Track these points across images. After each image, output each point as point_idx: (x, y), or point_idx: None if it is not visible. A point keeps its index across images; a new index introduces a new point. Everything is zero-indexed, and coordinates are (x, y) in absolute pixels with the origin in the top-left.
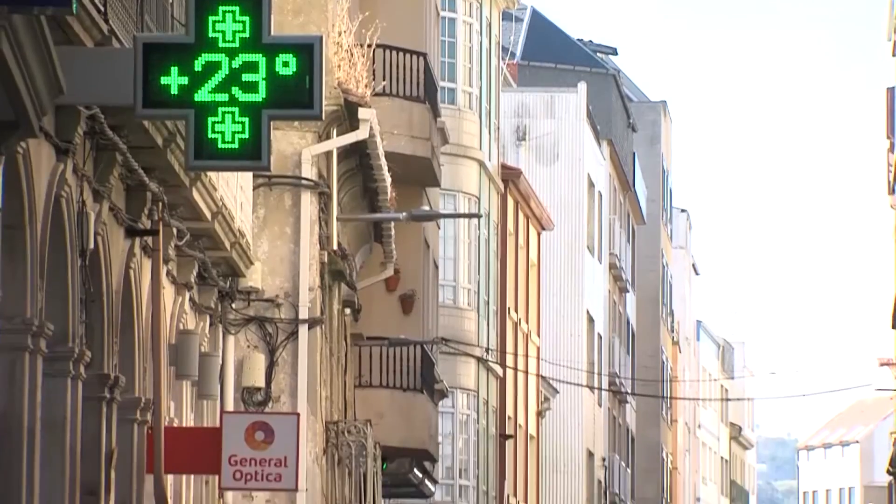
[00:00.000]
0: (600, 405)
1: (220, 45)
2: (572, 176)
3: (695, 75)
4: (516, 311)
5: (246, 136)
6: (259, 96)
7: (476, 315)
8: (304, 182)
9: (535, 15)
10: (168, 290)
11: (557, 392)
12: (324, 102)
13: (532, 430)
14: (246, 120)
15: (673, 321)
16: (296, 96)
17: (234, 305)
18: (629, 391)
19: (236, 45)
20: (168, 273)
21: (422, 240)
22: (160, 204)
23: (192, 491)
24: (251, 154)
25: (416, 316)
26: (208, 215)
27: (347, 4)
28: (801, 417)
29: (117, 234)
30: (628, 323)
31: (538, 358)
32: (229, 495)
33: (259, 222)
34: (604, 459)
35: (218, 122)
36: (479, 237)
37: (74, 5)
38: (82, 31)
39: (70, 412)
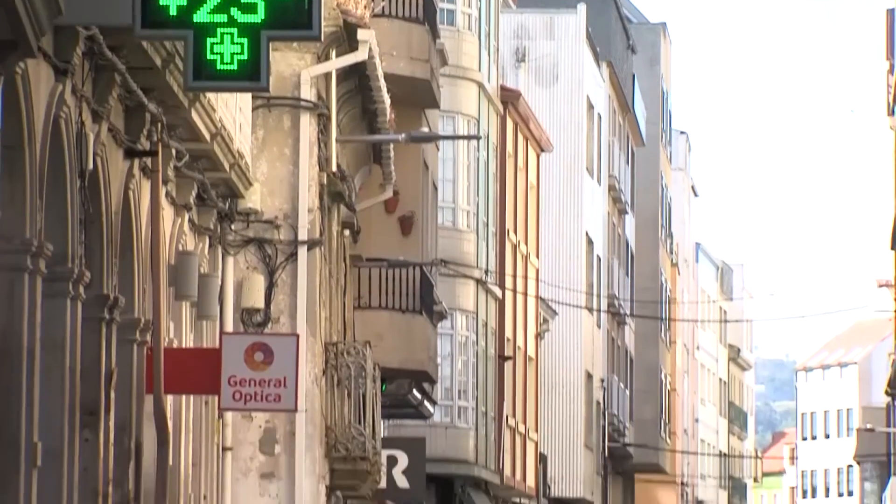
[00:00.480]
0: (599, 327)
1: None
2: (571, 98)
3: None
4: (515, 232)
5: (245, 57)
6: (258, 17)
7: (475, 237)
8: (303, 103)
9: None
10: (167, 211)
11: (556, 314)
12: (323, 23)
13: (531, 352)
14: (245, 41)
15: (672, 243)
16: (295, 17)
17: (233, 226)
18: (628, 313)
19: None
20: (167, 194)
21: (421, 161)
22: (159, 125)
23: (192, 411)
24: (250, 75)
25: (415, 237)
26: (207, 136)
27: None
28: (800, 339)
29: (116, 155)
30: (627, 245)
31: (537, 280)
32: (229, 415)
33: (258, 144)
34: (602, 381)
35: (217, 43)
36: (478, 159)
37: None
38: None
39: (69, 333)
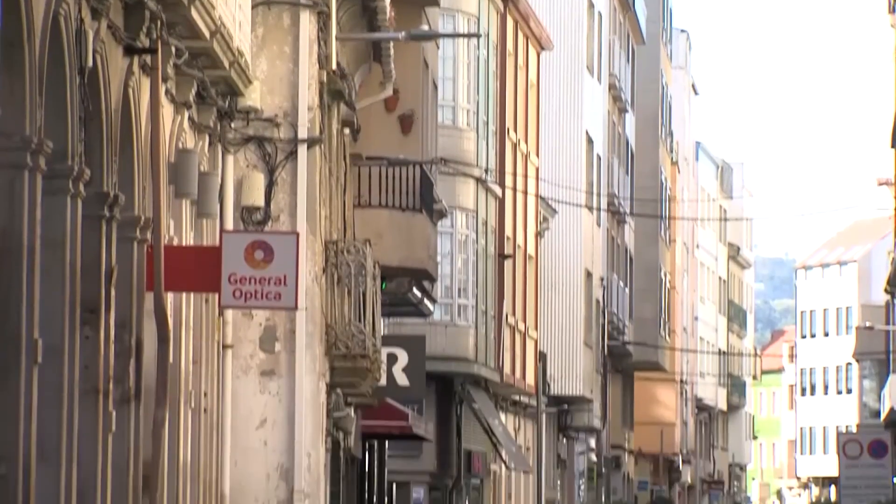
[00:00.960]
0: (599, 225)
1: None
2: None
3: None
4: (515, 131)
5: None
6: None
7: (475, 135)
8: (302, 1)
9: None
10: (167, 109)
11: (556, 212)
12: None
13: (531, 251)
14: None
15: (672, 141)
16: None
17: (232, 125)
18: (628, 211)
19: None
20: (167, 92)
21: (421, 60)
22: (158, 22)
23: (192, 309)
24: None
25: (414, 136)
26: (207, 34)
27: None
28: (800, 237)
29: (116, 52)
30: (627, 143)
31: (537, 178)
32: (229, 313)
33: (258, 42)
34: (602, 279)
35: None
36: (478, 57)
37: None
38: None
39: (70, 230)
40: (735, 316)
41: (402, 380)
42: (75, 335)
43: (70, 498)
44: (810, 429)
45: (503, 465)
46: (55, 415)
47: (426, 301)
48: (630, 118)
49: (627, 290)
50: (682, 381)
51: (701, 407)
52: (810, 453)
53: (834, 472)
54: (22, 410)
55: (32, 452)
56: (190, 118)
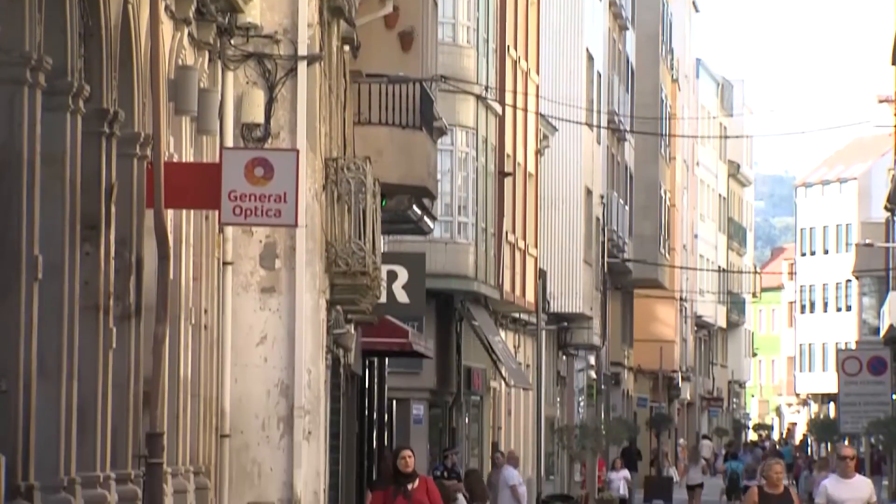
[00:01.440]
0: (599, 143)
1: None
2: None
3: None
4: (515, 48)
5: None
6: None
7: (475, 52)
8: None
9: None
10: (166, 26)
11: (556, 130)
12: None
13: (531, 168)
14: None
15: (672, 59)
16: None
17: (232, 41)
18: (628, 129)
19: None
20: (166, 8)
21: None
22: None
23: (192, 226)
24: None
25: (415, 53)
26: None
27: None
28: (800, 154)
29: None
30: (628, 61)
31: (537, 96)
32: (229, 230)
33: None
34: (602, 197)
35: None
36: None
37: None
38: None
39: (70, 146)
40: (735, 233)
41: (402, 297)
42: (75, 252)
43: (70, 414)
44: (809, 346)
45: (503, 382)
46: (55, 331)
47: (426, 219)
48: (630, 35)
49: (627, 207)
50: (681, 298)
51: (700, 324)
52: (809, 370)
53: (833, 389)
54: (22, 327)
55: (33, 369)
56: (190, 35)
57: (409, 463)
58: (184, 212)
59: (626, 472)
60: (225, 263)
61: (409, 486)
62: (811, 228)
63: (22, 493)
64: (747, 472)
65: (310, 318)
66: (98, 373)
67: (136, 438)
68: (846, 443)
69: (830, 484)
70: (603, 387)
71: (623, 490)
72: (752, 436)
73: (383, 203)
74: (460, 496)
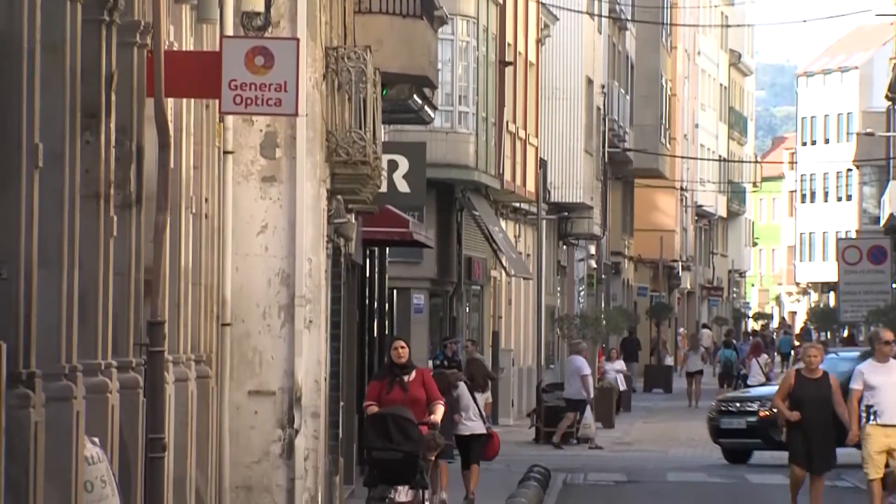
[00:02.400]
0: (600, 32)
1: None
2: None
3: None
4: None
5: None
6: None
7: None
8: None
9: None
10: None
11: (557, 19)
12: None
13: (531, 57)
14: None
15: None
16: None
17: None
18: (629, 18)
19: None
20: None
21: None
22: None
23: (192, 115)
24: None
25: None
26: None
27: None
28: (801, 43)
29: None
30: None
31: None
32: (229, 119)
33: None
34: (603, 86)
35: None
36: None
37: None
38: None
39: (69, 34)
40: (735, 123)
41: (402, 186)
42: (76, 140)
43: (71, 302)
44: (810, 235)
45: (503, 272)
46: (56, 219)
47: (427, 108)
48: None
49: (628, 97)
50: (682, 188)
51: (701, 214)
52: (809, 260)
53: (833, 278)
54: (23, 215)
55: (34, 257)
56: None
57: (403, 354)
58: (184, 101)
59: (620, 364)
60: (225, 152)
61: (406, 378)
62: (812, 118)
63: (23, 381)
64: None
65: (310, 208)
66: (99, 261)
67: (138, 326)
68: (882, 328)
69: (867, 369)
70: (603, 276)
71: (619, 382)
72: (753, 325)
73: (384, 93)
74: (461, 384)
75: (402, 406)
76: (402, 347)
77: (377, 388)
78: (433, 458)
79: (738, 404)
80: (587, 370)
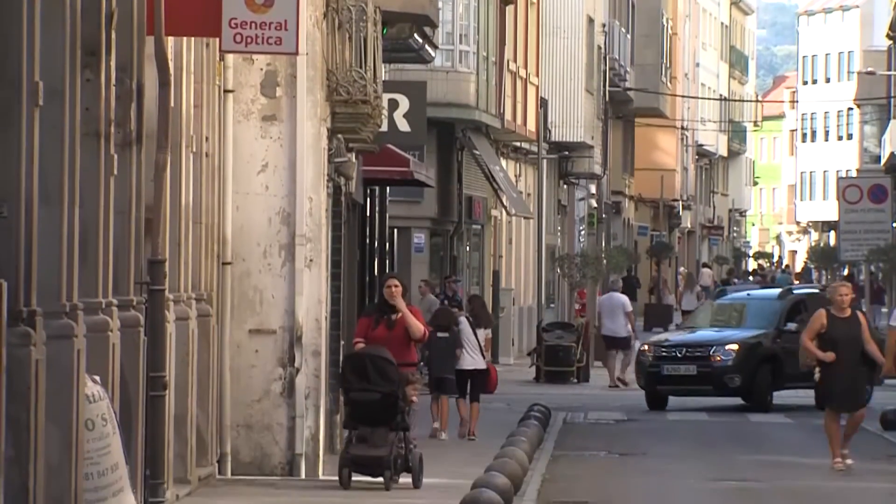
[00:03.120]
0: None
1: None
2: None
3: None
4: None
5: None
6: None
7: None
8: None
9: None
10: None
11: None
12: None
13: None
14: None
15: None
16: None
17: None
18: None
19: None
20: None
21: None
22: None
23: (193, 54)
24: None
25: None
26: None
27: None
28: None
29: None
30: None
31: None
32: (230, 58)
33: None
34: (604, 25)
35: None
36: None
37: None
38: None
39: None
40: (736, 62)
41: (403, 126)
42: (76, 78)
43: (72, 240)
44: (810, 174)
45: (504, 211)
46: (56, 157)
47: (427, 47)
48: None
49: (629, 36)
50: (682, 127)
51: (701, 153)
52: (810, 199)
53: (833, 217)
54: (23, 153)
55: (34, 194)
56: None
57: (396, 292)
58: (184, 39)
59: None
60: (225, 91)
61: (394, 317)
62: (813, 56)
63: (24, 319)
64: None
65: (311, 147)
66: (99, 199)
67: (138, 265)
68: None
69: None
70: (604, 215)
71: None
72: (753, 264)
73: (384, 31)
74: (463, 320)
75: (381, 346)
76: (396, 286)
77: (365, 324)
78: (414, 399)
79: (684, 350)
80: (630, 307)
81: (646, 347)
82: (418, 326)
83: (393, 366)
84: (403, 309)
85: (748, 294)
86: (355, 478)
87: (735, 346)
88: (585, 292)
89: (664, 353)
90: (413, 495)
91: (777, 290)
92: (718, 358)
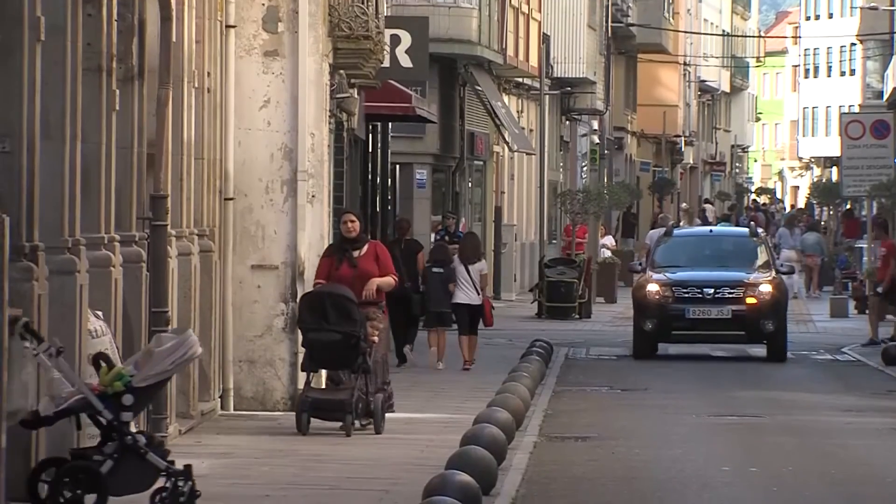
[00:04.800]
0: None
1: None
2: None
3: None
4: None
5: None
6: None
7: None
8: None
9: None
10: None
11: None
12: None
13: None
14: None
15: None
16: None
17: None
18: None
19: None
20: None
21: None
22: None
23: None
24: None
25: None
26: None
27: None
28: None
29: None
30: None
31: None
32: None
33: None
34: None
35: None
36: None
37: None
38: None
39: None
40: None
41: (405, 61)
42: (77, 13)
43: (74, 175)
44: (813, 110)
45: (506, 147)
46: (59, 93)
47: None
48: None
49: None
50: (685, 62)
51: (704, 89)
52: (812, 134)
53: (836, 153)
54: (25, 88)
55: (36, 129)
56: None
57: (353, 228)
58: None
59: (609, 240)
60: (227, 26)
61: (356, 253)
62: None
63: (26, 254)
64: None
65: (313, 82)
66: (101, 135)
67: (141, 200)
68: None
69: None
70: (606, 151)
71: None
72: (756, 198)
73: None
74: (455, 257)
75: (341, 284)
76: (353, 221)
77: (327, 265)
78: (375, 339)
79: (712, 290)
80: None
81: (656, 287)
82: (389, 282)
83: (354, 304)
84: (374, 274)
85: (711, 231)
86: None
87: (770, 288)
88: (584, 228)
89: (686, 294)
90: (397, 438)
91: (740, 230)
92: (754, 300)
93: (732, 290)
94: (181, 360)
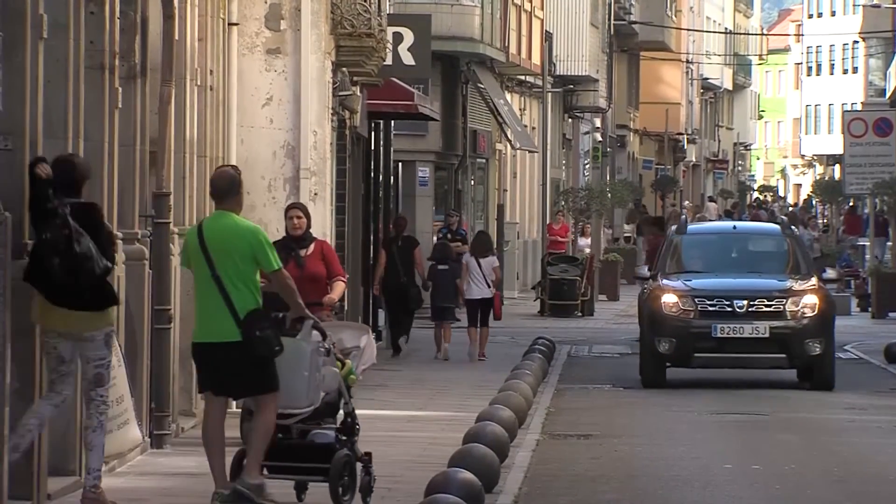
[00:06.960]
0: None
1: None
2: None
3: None
4: None
5: None
6: None
7: None
8: None
9: None
10: None
11: None
12: None
13: None
14: None
15: None
16: None
17: None
18: None
19: None
20: None
21: None
22: None
23: None
24: None
25: None
26: None
27: None
28: None
29: None
30: None
31: None
32: None
33: None
34: None
35: None
36: None
37: None
38: None
39: None
40: None
41: (407, 59)
42: (80, 11)
43: None
44: (815, 107)
45: (508, 145)
46: (61, 90)
47: None
48: None
49: None
50: (687, 60)
51: (706, 86)
52: (815, 132)
53: (838, 151)
54: (28, 85)
55: (39, 127)
56: None
57: (299, 224)
58: None
59: (585, 242)
60: (230, 24)
61: (303, 252)
62: None
63: (28, 251)
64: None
65: (315, 80)
66: (104, 132)
67: (143, 198)
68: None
69: None
70: (608, 149)
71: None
72: (759, 196)
73: None
74: (467, 253)
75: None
76: (299, 217)
77: None
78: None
79: (745, 303)
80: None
81: (673, 299)
82: (343, 289)
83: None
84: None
85: (734, 227)
86: None
87: (815, 300)
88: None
89: (712, 308)
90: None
91: (770, 226)
92: (797, 314)
93: (770, 303)
94: (370, 360)
